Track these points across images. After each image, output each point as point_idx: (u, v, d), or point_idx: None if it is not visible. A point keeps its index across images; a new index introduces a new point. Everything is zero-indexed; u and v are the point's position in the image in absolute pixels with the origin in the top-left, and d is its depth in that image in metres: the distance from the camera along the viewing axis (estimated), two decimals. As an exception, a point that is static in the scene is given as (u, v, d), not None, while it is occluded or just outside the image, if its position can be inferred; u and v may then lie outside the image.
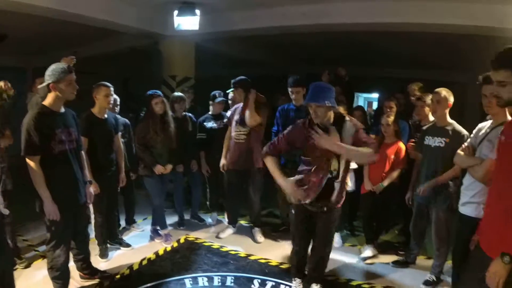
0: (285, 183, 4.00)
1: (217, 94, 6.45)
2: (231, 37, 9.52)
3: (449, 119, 4.44)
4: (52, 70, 3.66)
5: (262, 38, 9.61)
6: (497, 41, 6.47)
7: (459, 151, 3.75)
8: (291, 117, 5.76)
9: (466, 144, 3.78)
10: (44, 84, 3.68)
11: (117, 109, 5.67)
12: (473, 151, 3.62)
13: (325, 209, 4.03)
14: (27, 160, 3.58)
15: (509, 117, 3.45)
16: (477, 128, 3.76)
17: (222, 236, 6.00)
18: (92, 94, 4.78)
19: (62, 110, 3.83)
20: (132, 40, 9.83)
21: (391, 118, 5.28)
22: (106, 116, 4.88)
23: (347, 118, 3.92)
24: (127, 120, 5.86)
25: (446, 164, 4.33)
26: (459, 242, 3.80)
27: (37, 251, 5.21)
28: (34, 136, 3.52)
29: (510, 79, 2.41)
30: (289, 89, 5.78)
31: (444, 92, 4.40)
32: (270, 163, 4.10)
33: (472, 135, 3.81)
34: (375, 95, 17.87)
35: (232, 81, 5.75)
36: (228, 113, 6.03)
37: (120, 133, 5.31)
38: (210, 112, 6.55)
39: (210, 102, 6.53)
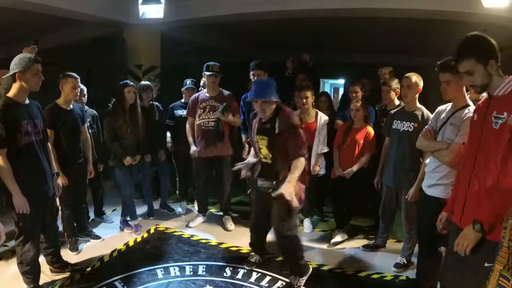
0: None
1: (188, 82, 6.42)
2: (196, 25, 9.47)
3: (418, 104, 4.50)
4: (19, 59, 3.60)
5: (226, 25, 9.60)
6: (460, 25, 6.58)
7: (421, 135, 3.80)
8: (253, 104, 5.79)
9: (427, 127, 3.83)
10: (10, 73, 3.62)
11: (85, 99, 5.59)
12: (435, 134, 3.68)
13: (270, 191, 4.21)
14: None
15: (469, 101, 3.54)
16: (436, 111, 3.83)
17: (192, 225, 6.00)
18: (58, 85, 4.68)
19: (27, 101, 3.76)
20: (95, 29, 9.69)
21: (360, 103, 5.32)
22: (71, 107, 4.79)
23: (280, 115, 4.17)
24: (94, 111, 5.77)
25: (413, 148, 4.39)
26: (425, 223, 3.85)
27: (6, 246, 5.10)
28: (1, 130, 3.46)
29: (476, 67, 2.52)
30: (251, 73, 5.77)
31: (414, 77, 4.43)
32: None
33: (432, 118, 3.88)
34: (341, 81, 17.95)
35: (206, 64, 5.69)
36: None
37: (87, 124, 5.26)
38: (182, 100, 6.51)
39: (182, 90, 6.51)
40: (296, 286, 4.30)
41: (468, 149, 2.83)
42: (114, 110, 5.44)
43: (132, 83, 5.49)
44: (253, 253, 4.88)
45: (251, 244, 4.86)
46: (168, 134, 6.50)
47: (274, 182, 4.20)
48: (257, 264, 4.75)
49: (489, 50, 2.55)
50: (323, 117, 5.56)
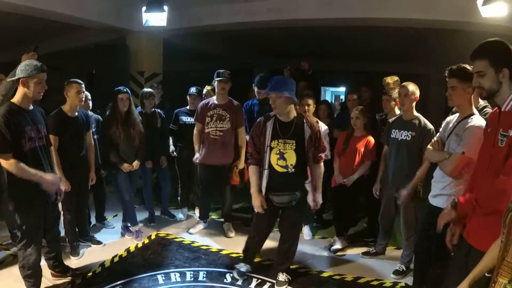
0: (256, 196, 4.26)
1: (192, 90, 6.47)
2: (198, 32, 9.52)
3: (415, 113, 4.56)
4: (25, 65, 3.62)
5: (228, 33, 9.65)
6: (460, 34, 6.62)
7: (429, 146, 3.82)
8: (255, 111, 5.84)
9: (435, 138, 3.83)
10: (15, 78, 3.65)
11: (90, 104, 5.64)
12: (442, 145, 3.67)
13: (294, 203, 4.22)
14: (1, 159, 3.54)
15: (474, 110, 3.54)
16: (445, 121, 3.82)
17: (193, 232, 6.01)
18: (64, 92, 4.72)
19: (31, 107, 3.79)
20: (98, 35, 9.73)
21: (360, 111, 5.35)
22: (76, 114, 4.83)
23: (306, 119, 4.23)
24: (99, 116, 5.81)
25: (412, 157, 4.44)
26: (426, 232, 3.82)
27: (8, 250, 5.13)
28: (6, 134, 3.48)
29: (487, 69, 2.47)
30: (255, 89, 5.84)
31: (411, 86, 4.50)
32: (251, 172, 4.34)
33: (441, 129, 3.87)
34: (342, 89, 18.02)
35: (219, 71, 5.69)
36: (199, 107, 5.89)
37: (92, 130, 5.30)
38: (187, 107, 6.52)
39: (188, 98, 6.55)
40: (286, 280, 4.49)
41: (479, 161, 2.74)
42: (110, 117, 5.48)
43: (126, 89, 5.49)
44: (243, 263, 4.76)
45: (246, 251, 4.80)
46: (171, 141, 6.54)
47: (297, 193, 4.19)
48: (247, 274, 4.70)
49: (505, 58, 2.48)
50: (323, 127, 5.59)
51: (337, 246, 5.47)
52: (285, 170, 4.11)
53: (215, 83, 5.71)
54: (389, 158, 4.78)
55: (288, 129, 4.12)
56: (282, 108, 4.08)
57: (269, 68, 11.05)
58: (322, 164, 4.30)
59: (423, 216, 3.99)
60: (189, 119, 6.28)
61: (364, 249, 5.43)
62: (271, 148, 4.13)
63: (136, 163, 5.60)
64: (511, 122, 2.41)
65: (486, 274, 2.38)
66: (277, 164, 4.12)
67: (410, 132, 4.48)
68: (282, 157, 4.11)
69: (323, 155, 4.32)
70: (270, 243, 4.92)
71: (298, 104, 5.84)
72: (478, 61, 2.52)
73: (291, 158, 4.09)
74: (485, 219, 2.44)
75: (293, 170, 4.10)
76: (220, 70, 5.64)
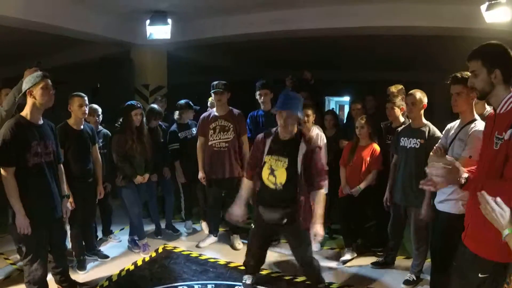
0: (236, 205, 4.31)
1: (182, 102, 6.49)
2: (201, 45, 9.55)
3: (424, 120, 4.54)
4: (29, 78, 3.66)
5: (231, 45, 9.68)
6: (464, 41, 6.61)
7: (432, 153, 3.83)
8: (260, 122, 5.80)
9: (437, 145, 3.88)
10: (21, 93, 3.69)
11: (99, 119, 5.69)
12: (445, 151, 3.72)
13: (284, 221, 4.03)
14: (1, 170, 3.55)
15: (476, 116, 3.63)
16: (446, 128, 3.90)
17: (203, 245, 5.93)
18: (68, 106, 4.77)
19: (40, 121, 3.80)
20: (102, 49, 9.78)
21: (364, 120, 5.33)
22: (82, 127, 4.86)
23: (304, 136, 4.03)
24: (107, 131, 5.81)
25: (420, 165, 4.39)
26: (438, 238, 3.91)
27: (14, 265, 5.12)
28: (10, 147, 3.49)
29: (480, 69, 2.54)
30: (257, 93, 5.81)
31: (418, 93, 4.49)
32: (243, 186, 4.39)
33: (442, 136, 3.95)
34: (347, 99, 18.01)
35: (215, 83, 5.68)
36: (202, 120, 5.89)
37: (100, 144, 5.34)
38: (177, 122, 6.51)
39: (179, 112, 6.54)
40: None
41: (478, 165, 2.75)
42: (122, 131, 5.47)
43: (139, 105, 5.51)
44: (248, 275, 4.63)
45: (246, 264, 4.68)
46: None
47: (287, 211, 3.99)
48: (254, 284, 4.61)
49: (498, 59, 2.52)
50: (323, 136, 5.58)
51: (346, 257, 5.42)
52: (273, 187, 3.99)
53: (212, 95, 5.78)
54: (398, 167, 4.75)
55: (283, 146, 3.99)
56: (292, 128, 3.96)
57: (271, 78, 11.03)
58: (322, 191, 4.03)
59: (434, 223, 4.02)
60: (183, 134, 6.32)
61: (374, 259, 5.37)
62: (264, 162, 4.04)
63: (146, 176, 5.60)
64: (506, 125, 2.43)
65: (480, 275, 2.49)
66: (267, 179, 4.01)
67: (419, 140, 4.46)
68: (273, 173, 3.98)
69: (324, 181, 4.13)
70: (279, 256, 4.86)
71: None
72: (472, 62, 2.60)
73: (281, 176, 3.94)
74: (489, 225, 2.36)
75: (281, 188, 3.95)
76: (214, 82, 5.66)
